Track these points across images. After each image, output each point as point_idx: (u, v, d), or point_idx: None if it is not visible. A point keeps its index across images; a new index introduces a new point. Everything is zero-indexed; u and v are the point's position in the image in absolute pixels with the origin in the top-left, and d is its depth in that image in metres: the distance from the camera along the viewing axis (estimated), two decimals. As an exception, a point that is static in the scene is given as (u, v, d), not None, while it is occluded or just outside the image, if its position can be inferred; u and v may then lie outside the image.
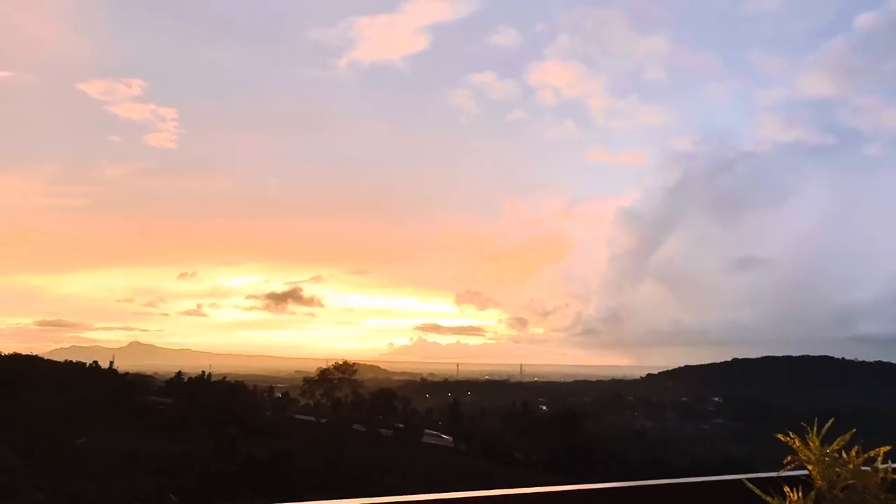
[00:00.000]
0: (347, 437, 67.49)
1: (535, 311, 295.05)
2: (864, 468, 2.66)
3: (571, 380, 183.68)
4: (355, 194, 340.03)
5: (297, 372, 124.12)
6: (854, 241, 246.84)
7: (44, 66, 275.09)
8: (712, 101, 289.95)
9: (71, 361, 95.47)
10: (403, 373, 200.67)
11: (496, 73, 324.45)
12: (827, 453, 2.69)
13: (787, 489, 2.68)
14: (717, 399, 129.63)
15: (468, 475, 52.33)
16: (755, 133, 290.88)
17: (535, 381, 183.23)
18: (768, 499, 2.68)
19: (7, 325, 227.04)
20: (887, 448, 2.74)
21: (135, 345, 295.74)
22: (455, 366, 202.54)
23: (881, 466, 2.67)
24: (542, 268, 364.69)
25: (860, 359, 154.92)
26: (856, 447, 2.70)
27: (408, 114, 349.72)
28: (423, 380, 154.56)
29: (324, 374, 79.41)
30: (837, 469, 2.67)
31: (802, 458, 2.73)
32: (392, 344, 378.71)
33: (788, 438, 2.78)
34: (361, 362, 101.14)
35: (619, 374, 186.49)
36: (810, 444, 2.72)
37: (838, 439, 2.72)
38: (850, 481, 2.65)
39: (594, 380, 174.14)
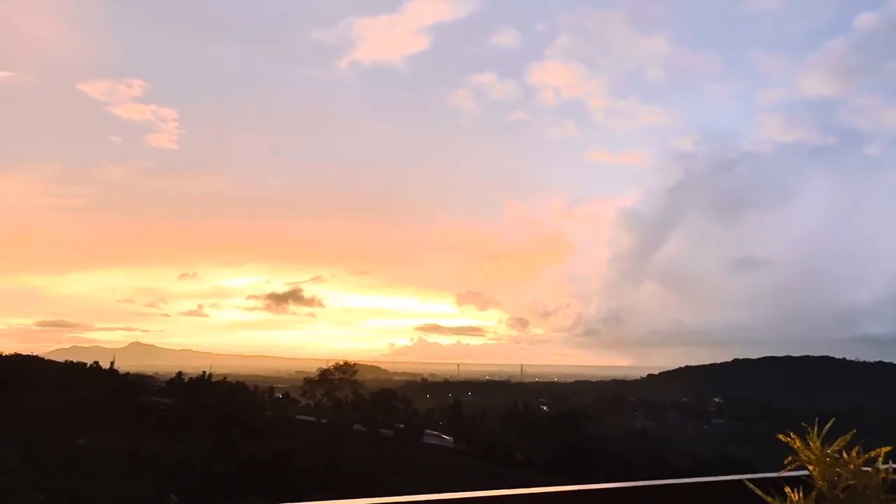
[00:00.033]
0: (348, 438, 67.50)
1: (536, 311, 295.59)
2: (864, 469, 2.66)
3: (572, 380, 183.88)
4: (356, 194, 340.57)
5: (297, 372, 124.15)
6: (855, 242, 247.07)
7: (44, 67, 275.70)
8: (713, 102, 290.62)
9: (72, 362, 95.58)
10: (404, 373, 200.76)
11: (497, 74, 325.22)
12: (828, 454, 2.69)
13: (787, 489, 2.68)
14: (717, 399, 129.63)
15: (469, 476, 52.33)
16: (756, 133, 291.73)
17: (536, 381, 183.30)
18: (769, 499, 2.68)
19: (8, 325, 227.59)
20: (888, 448, 2.74)
21: (135, 345, 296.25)
22: (456, 366, 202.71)
23: (882, 467, 2.67)
24: (542, 268, 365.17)
25: (861, 359, 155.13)
26: (856, 447, 2.70)
27: (408, 114, 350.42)
28: (424, 380, 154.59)
29: (324, 374, 79.43)
30: (838, 469, 2.67)
31: (803, 458, 2.73)
32: (393, 344, 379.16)
33: (789, 439, 2.78)
34: (362, 363, 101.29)
35: (619, 375, 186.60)
36: (811, 444, 2.73)
37: (839, 440, 2.72)
38: (851, 482, 2.65)
39: (595, 380, 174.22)
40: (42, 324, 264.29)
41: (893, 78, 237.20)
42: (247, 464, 50.19)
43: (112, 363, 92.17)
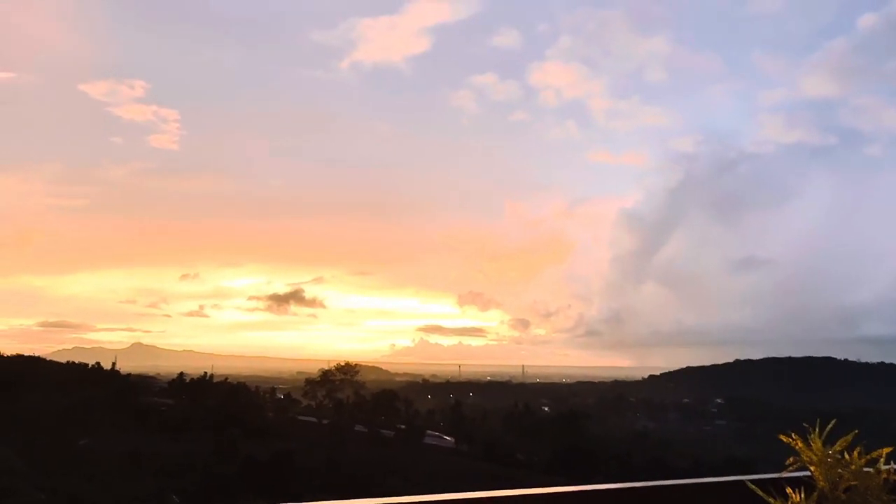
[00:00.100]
0: (349, 438, 67.52)
1: (537, 312, 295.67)
2: (866, 469, 2.66)
3: (573, 381, 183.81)
4: (357, 195, 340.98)
5: (298, 373, 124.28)
6: (856, 242, 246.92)
7: (46, 67, 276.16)
8: (713, 102, 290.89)
9: (73, 362, 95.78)
10: (405, 374, 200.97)
11: (498, 75, 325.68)
12: (829, 454, 2.69)
13: (789, 490, 2.68)
14: (718, 400, 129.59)
15: (470, 476, 52.31)
16: (756, 134, 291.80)
17: (537, 382, 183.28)
18: (770, 500, 2.68)
19: (10, 325, 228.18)
20: (890, 449, 2.74)
21: (137, 346, 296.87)
22: (457, 367, 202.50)
23: (884, 468, 2.67)
24: (543, 269, 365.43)
25: (862, 360, 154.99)
26: (858, 448, 2.70)
27: (409, 115, 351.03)
28: (425, 381, 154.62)
29: (326, 375, 79.48)
30: (840, 470, 2.67)
31: (805, 459, 2.73)
32: (394, 345, 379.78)
33: (790, 439, 2.78)
34: (363, 363, 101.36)
35: (620, 376, 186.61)
36: (812, 445, 2.73)
37: (840, 440, 2.72)
38: (853, 482, 2.65)
39: (596, 381, 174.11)
40: (44, 324, 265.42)
41: (894, 78, 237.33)
42: (248, 464, 50.22)
43: (114, 364, 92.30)
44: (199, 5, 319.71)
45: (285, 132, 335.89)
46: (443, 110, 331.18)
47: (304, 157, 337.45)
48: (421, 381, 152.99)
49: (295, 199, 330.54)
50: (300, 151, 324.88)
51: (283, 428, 71.61)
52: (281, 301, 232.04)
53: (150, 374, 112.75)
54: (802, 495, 2.67)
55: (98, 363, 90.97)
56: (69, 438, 54.18)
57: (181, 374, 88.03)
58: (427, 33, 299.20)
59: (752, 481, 2.81)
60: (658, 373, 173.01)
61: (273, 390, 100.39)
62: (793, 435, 2.79)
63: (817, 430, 2.74)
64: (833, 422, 2.77)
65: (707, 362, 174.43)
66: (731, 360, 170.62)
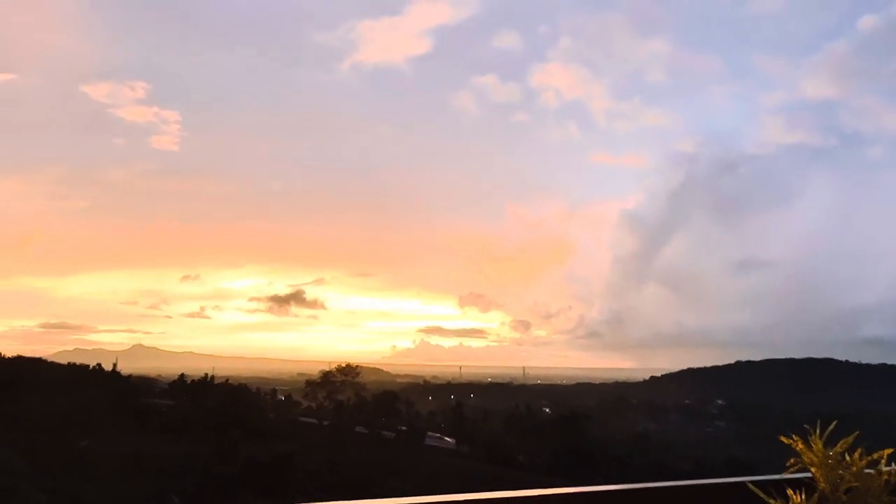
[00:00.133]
0: (350, 440, 67.50)
1: (538, 313, 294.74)
2: (867, 471, 2.66)
3: (574, 382, 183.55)
4: (358, 196, 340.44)
5: (299, 374, 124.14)
6: (857, 243, 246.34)
7: (46, 69, 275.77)
8: (714, 104, 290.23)
9: (74, 364, 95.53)
10: (406, 375, 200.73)
11: (499, 76, 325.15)
12: (830, 456, 2.69)
13: (790, 492, 2.68)
14: (720, 401, 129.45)
15: (471, 478, 52.26)
16: (757, 135, 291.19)
17: (538, 383, 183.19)
18: (771, 501, 2.67)
19: (11, 327, 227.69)
20: (891, 450, 2.73)
21: (138, 347, 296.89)
22: (458, 368, 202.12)
23: (885, 469, 2.67)
24: (544, 270, 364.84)
25: (863, 361, 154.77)
26: (859, 450, 2.70)
27: (410, 116, 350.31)
28: (426, 382, 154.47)
29: (326, 376, 79.52)
30: (841, 472, 2.67)
31: (806, 460, 2.73)
32: (395, 346, 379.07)
33: (791, 441, 2.78)
34: (364, 365, 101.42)
35: (622, 377, 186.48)
36: (813, 446, 2.72)
37: (841, 442, 2.72)
38: (854, 484, 2.64)
39: (597, 382, 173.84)
40: (45, 326, 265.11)
41: (895, 80, 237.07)
42: (249, 465, 50.22)
43: (114, 365, 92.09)
44: (200, 7, 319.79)
45: (286, 133, 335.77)
46: (444, 112, 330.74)
47: (304, 159, 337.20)
48: (422, 383, 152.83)
49: (296, 200, 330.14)
50: (301, 153, 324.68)
51: (283, 429, 71.58)
52: (282, 302, 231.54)
53: (151, 375, 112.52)
54: (803, 497, 2.67)
55: (99, 364, 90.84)
56: (70, 439, 54.14)
57: (182, 375, 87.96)
58: (428, 35, 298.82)
59: (753, 483, 2.81)
60: (659, 374, 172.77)
61: (274, 391, 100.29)
62: (794, 436, 2.79)
63: (818, 431, 2.74)
64: (834, 423, 2.77)
65: (708, 363, 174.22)
66: (731, 361, 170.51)
